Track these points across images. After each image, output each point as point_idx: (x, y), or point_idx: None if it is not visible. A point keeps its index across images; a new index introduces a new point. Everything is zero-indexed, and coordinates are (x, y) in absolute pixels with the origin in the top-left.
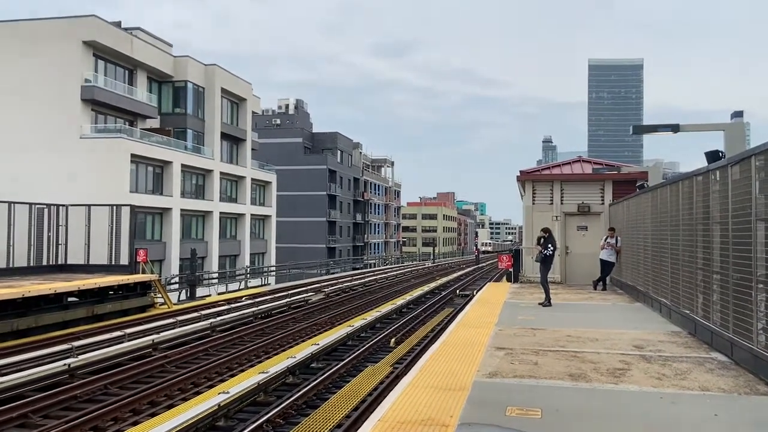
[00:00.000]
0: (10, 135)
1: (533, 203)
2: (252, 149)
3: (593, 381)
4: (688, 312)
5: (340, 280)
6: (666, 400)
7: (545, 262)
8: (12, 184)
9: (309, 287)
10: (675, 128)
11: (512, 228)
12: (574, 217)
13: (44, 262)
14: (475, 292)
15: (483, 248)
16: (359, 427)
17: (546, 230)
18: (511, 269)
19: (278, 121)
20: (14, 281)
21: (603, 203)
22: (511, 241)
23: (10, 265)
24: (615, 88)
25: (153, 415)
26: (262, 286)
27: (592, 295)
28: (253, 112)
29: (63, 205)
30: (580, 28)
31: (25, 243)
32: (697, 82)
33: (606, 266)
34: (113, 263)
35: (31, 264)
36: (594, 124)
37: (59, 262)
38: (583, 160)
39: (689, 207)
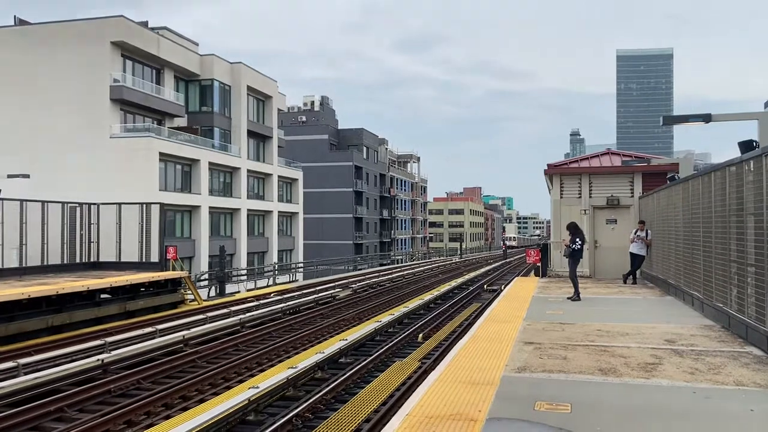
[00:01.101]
0: (42, 136)
1: (561, 197)
2: (278, 146)
3: (624, 375)
4: (721, 305)
5: (367, 276)
6: (699, 395)
7: (573, 256)
8: (45, 184)
9: (336, 283)
10: (706, 118)
11: (540, 222)
12: (603, 210)
13: (77, 260)
14: (503, 287)
15: (508, 243)
16: (387, 422)
17: (573, 224)
18: (539, 264)
19: (304, 118)
20: (48, 278)
21: (632, 196)
22: (539, 235)
23: (45, 263)
24: (644, 78)
25: (185, 409)
26: (290, 282)
27: (622, 288)
28: (279, 110)
29: (94, 204)
30: (607, 18)
31: (58, 241)
32: (729, 71)
33: (636, 259)
34: (144, 260)
35: (65, 262)
36: (623, 116)
37: (91, 260)
38: (611, 153)
39: (722, 198)
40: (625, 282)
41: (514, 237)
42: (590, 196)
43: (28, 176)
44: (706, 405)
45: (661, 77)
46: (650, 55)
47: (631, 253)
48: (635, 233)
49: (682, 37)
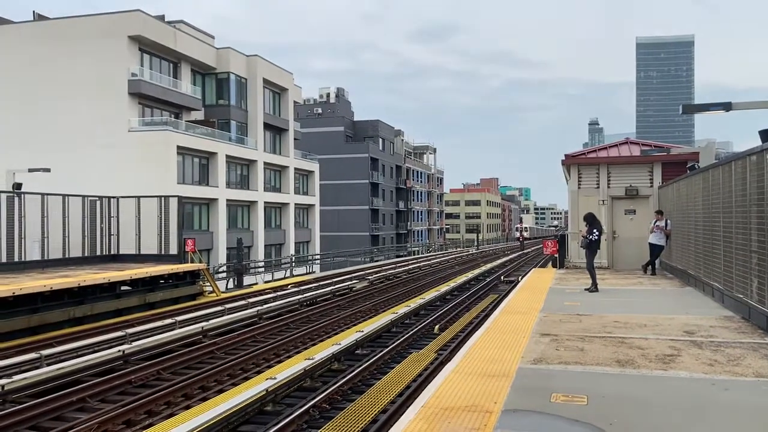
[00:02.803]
0: (61, 130)
1: (579, 187)
2: (294, 139)
3: (641, 367)
4: (741, 296)
5: (383, 268)
6: (718, 387)
7: (591, 247)
8: (65, 178)
9: (353, 275)
10: (727, 106)
11: (558, 213)
12: (622, 200)
13: (97, 253)
14: (519, 278)
15: (517, 234)
16: (403, 413)
17: (590, 215)
18: (556, 255)
19: (320, 110)
20: (70, 271)
21: (652, 186)
22: (556, 226)
23: (66, 256)
24: (664, 66)
25: (204, 399)
26: (307, 274)
27: (640, 279)
28: (295, 102)
29: (114, 197)
30: (626, 5)
31: (79, 234)
32: (750, 58)
33: (655, 250)
34: (163, 253)
35: (85, 254)
36: (642, 105)
37: (112, 253)
38: (630, 142)
39: (743, 188)
40: (644, 272)
41: (526, 227)
42: (608, 187)
43: (48, 170)
44: (726, 397)
45: (682, 65)
46: (670, 43)
47: (650, 244)
48: (654, 223)
49: (702, 23)
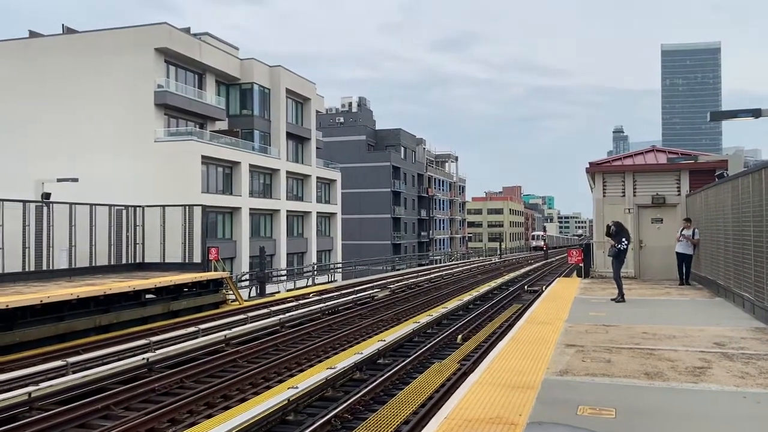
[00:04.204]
0: (89, 141)
1: (604, 195)
2: (317, 148)
3: (671, 380)
4: None
5: (405, 277)
6: (749, 400)
7: (618, 256)
8: (92, 187)
9: (375, 284)
10: (756, 113)
11: (582, 222)
12: (648, 209)
13: (123, 261)
14: (544, 287)
15: (534, 243)
16: (426, 424)
17: (616, 223)
18: (581, 264)
19: (341, 120)
20: (96, 279)
21: (679, 194)
22: (580, 235)
23: (93, 264)
24: (690, 73)
25: (226, 408)
26: (328, 282)
27: (668, 290)
28: (317, 111)
29: (139, 206)
30: (650, 13)
31: (105, 243)
32: None
33: (682, 259)
34: (187, 261)
35: (112, 263)
36: (668, 112)
37: (137, 261)
38: (657, 150)
39: None
40: (681, 284)
41: (541, 235)
42: (634, 195)
43: (77, 180)
44: (758, 410)
45: (708, 72)
46: (696, 50)
47: (677, 253)
48: (681, 231)
49: (729, 29)
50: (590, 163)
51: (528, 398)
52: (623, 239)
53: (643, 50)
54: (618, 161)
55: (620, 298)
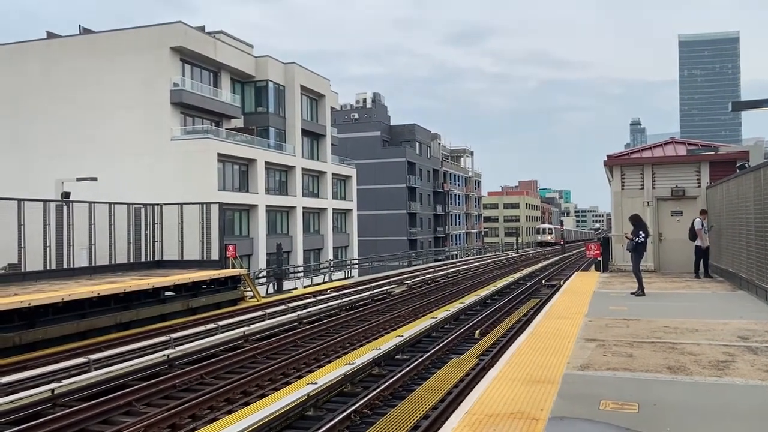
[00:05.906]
0: (107, 140)
1: (622, 188)
2: (332, 144)
3: (694, 374)
4: None
5: (422, 272)
6: None
7: (637, 249)
8: (110, 186)
9: (391, 279)
10: None
11: (599, 216)
12: (668, 201)
13: (142, 259)
14: (562, 282)
15: (540, 238)
16: (446, 419)
17: (635, 216)
18: (599, 258)
19: (356, 116)
20: (116, 277)
21: (699, 186)
22: (597, 229)
23: (112, 262)
24: (709, 64)
25: (246, 404)
26: (345, 278)
27: (689, 283)
28: (332, 108)
29: (158, 205)
30: (666, 2)
31: (124, 241)
32: None
33: (699, 251)
34: (205, 259)
35: (131, 261)
36: (687, 104)
37: (155, 259)
38: (676, 142)
39: None
40: (697, 275)
41: (550, 228)
42: (653, 187)
43: (95, 179)
44: None
45: (727, 62)
46: (715, 40)
47: (696, 246)
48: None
49: (748, 17)
50: (608, 156)
51: (549, 393)
52: (641, 232)
53: (659, 41)
54: (636, 153)
55: (640, 291)
